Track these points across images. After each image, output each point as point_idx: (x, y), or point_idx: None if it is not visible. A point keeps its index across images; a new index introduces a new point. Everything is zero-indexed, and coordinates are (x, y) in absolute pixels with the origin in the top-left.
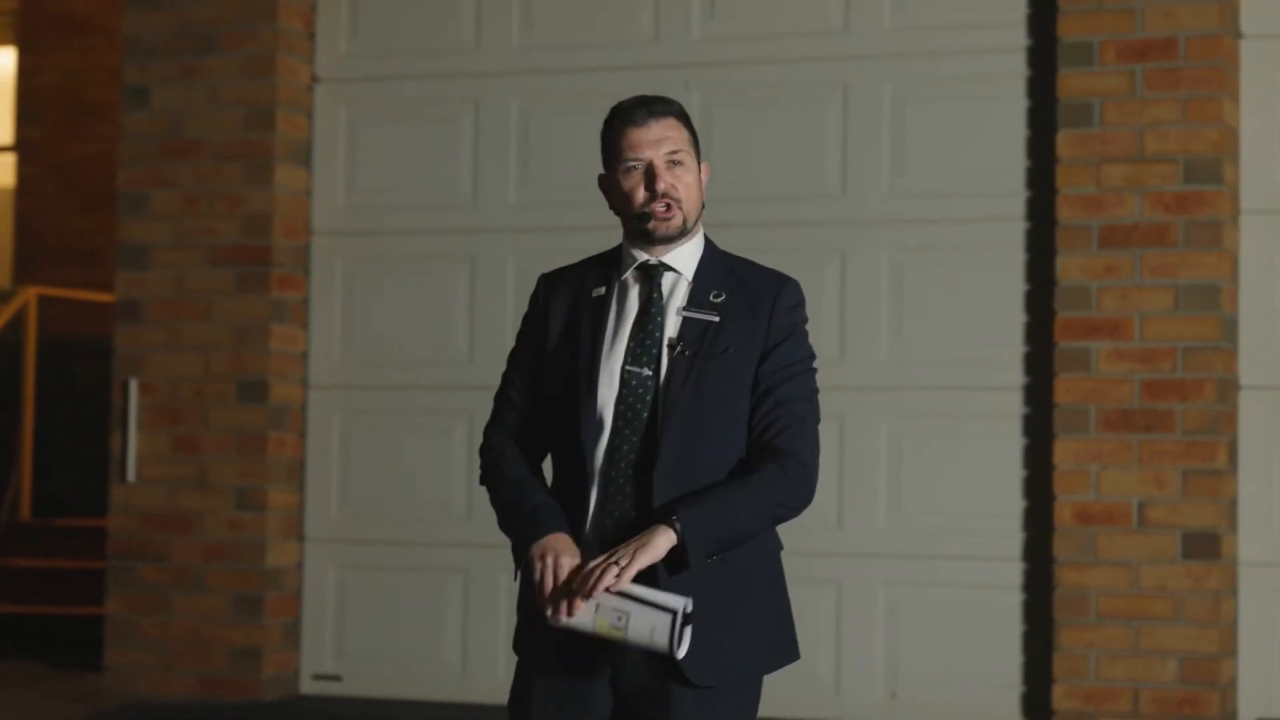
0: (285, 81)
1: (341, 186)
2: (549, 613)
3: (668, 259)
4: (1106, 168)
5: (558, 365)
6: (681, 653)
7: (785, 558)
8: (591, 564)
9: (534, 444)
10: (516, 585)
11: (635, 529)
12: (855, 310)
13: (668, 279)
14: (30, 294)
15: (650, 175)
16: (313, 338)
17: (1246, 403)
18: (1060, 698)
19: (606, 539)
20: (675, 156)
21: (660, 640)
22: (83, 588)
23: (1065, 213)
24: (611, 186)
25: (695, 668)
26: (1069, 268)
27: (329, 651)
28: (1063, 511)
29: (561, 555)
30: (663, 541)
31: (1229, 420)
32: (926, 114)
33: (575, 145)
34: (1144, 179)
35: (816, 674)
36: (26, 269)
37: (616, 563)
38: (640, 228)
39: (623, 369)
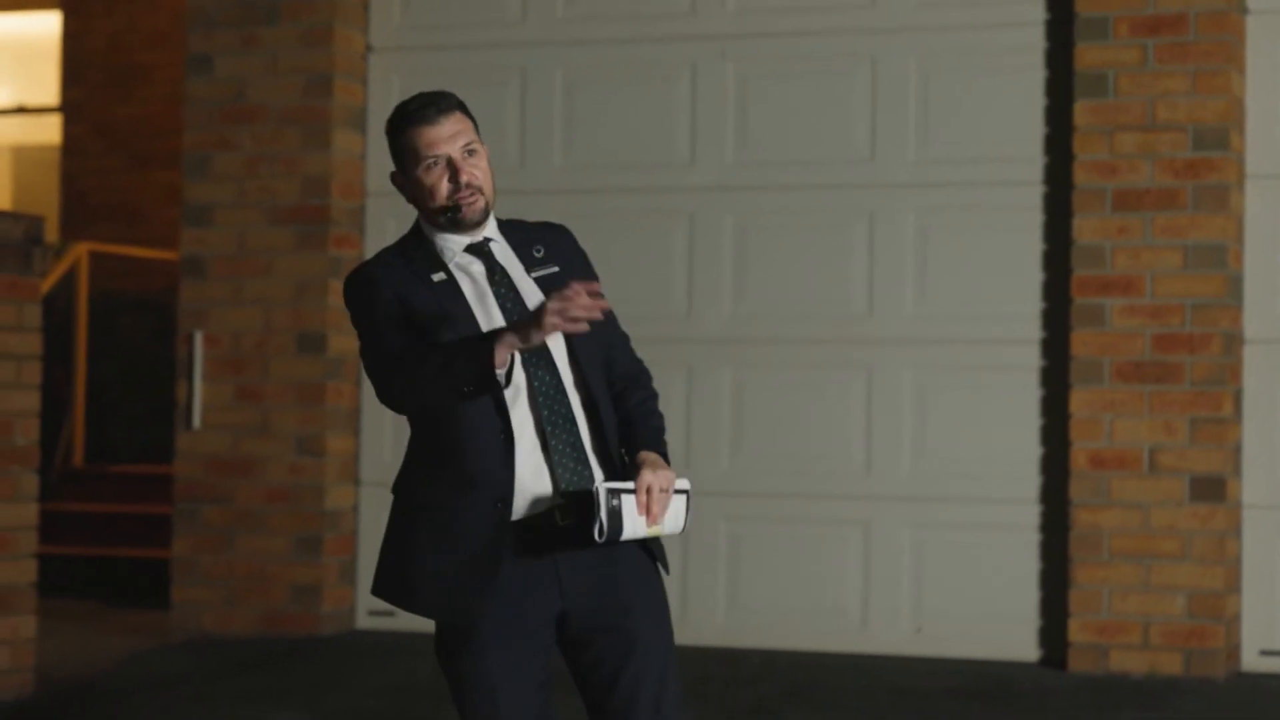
0: (342, 51)
1: None
2: (603, 531)
3: (487, 234)
4: (1120, 135)
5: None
6: (688, 525)
7: (814, 501)
8: (646, 489)
9: None
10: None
11: (585, 465)
12: (883, 268)
13: (497, 250)
14: (81, 250)
15: (453, 169)
16: None
17: (1250, 356)
18: (1075, 631)
19: (560, 479)
20: (470, 147)
21: (678, 522)
22: (133, 531)
23: (1081, 177)
24: (409, 183)
25: (657, 551)
26: (1084, 229)
27: None
28: (1078, 457)
29: (541, 320)
30: (661, 462)
31: (1234, 372)
32: (950, 84)
33: (616, 112)
34: (1155, 146)
35: (845, 610)
36: (72, 226)
37: (665, 490)
38: (452, 217)
39: None
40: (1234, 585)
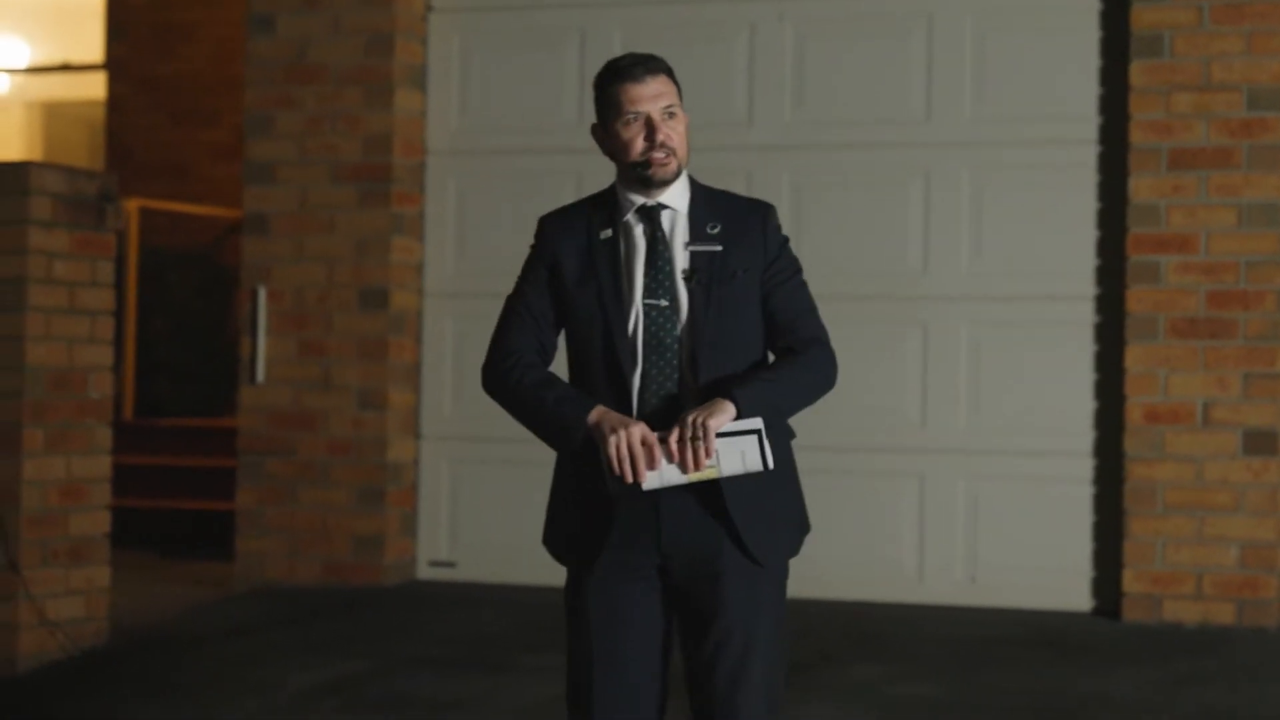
0: (403, 10)
1: (455, 109)
2: (639, 480)
3: (664, 199)
4: (1176, 95)
5: (581, 303)
6: (770, 463)
7: (871, 455)
8: (675, 438)
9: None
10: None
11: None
12: (938, 226)
13: (666, 217)
14: (132, 206)
15: (650, 127)
16: (428, 249)
17: None
18: (1130, 581)
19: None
20: (670, 110)
21: (754, 461)
22: (184, 484)
23: (1137, 137)
24: (608, 136)
25: (754, 545)
26: (1140, 187)
27: (444, 540)
28: (1133, 411)
29: (628, 425)
30: (726, 409)
31: None
32: (1006, 44)
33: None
34: (1210, 106)
35: (901, 561)
36: (118, 183)
37: (696, 436)
38: (641, 174)
39: (643, 302)
40: None
